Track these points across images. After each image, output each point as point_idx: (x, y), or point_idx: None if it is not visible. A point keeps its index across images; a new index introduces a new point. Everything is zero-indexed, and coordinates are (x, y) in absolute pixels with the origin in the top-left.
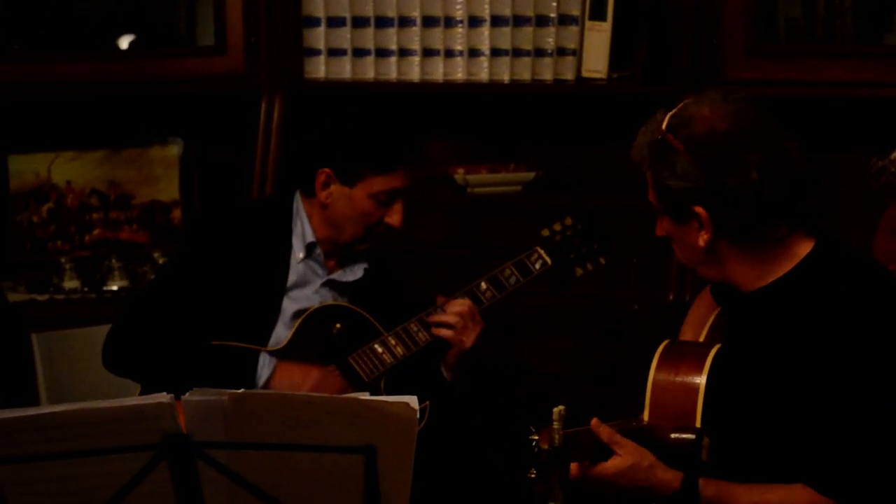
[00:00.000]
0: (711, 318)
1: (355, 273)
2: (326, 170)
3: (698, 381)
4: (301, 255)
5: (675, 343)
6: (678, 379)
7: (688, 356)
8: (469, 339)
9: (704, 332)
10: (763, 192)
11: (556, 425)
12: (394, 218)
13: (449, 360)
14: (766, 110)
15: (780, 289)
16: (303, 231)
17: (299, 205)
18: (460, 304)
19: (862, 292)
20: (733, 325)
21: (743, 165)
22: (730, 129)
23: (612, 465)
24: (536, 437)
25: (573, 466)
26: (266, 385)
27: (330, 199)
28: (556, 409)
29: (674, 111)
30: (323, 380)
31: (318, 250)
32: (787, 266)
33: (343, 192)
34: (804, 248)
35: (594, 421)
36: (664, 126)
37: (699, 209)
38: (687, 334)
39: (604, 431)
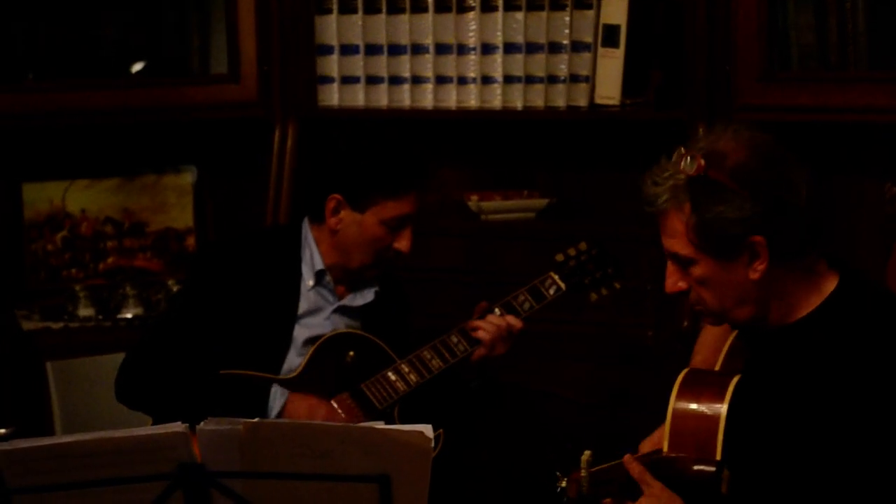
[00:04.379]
0: (728, 342)
1: (366, 297)
2: (337, 195)
3: (719, 411)
4: (311, 282)
5: (695, 372)
6: (699, 409)
7: (709, 386)
8: (500, 349)
9: (721, 358)
10: (811, 208)
11: (583, 472)
12: (403, 243)
13: (472, 358)
14: (772, 136)
15: (806, 326)
16: (312, 258)
17: (307, 232)
18: (513, 319)
19: (887, 333)
20: (756, 359)
21: (792, 183)
22: (764, 155)
23: None
24: (563, 485)
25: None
26: (279, 416)
27: (340, 224)
28: (583, 457)
29: (700, 147)
30: (334, 412)
31: (328, 277)
32: (814, 302)
33: (353, 218)
34: (830, 284)
35: (627, 456)
36: (702, 162)
37: (757, 238)
38: (699, 356)
39: (635, 469)
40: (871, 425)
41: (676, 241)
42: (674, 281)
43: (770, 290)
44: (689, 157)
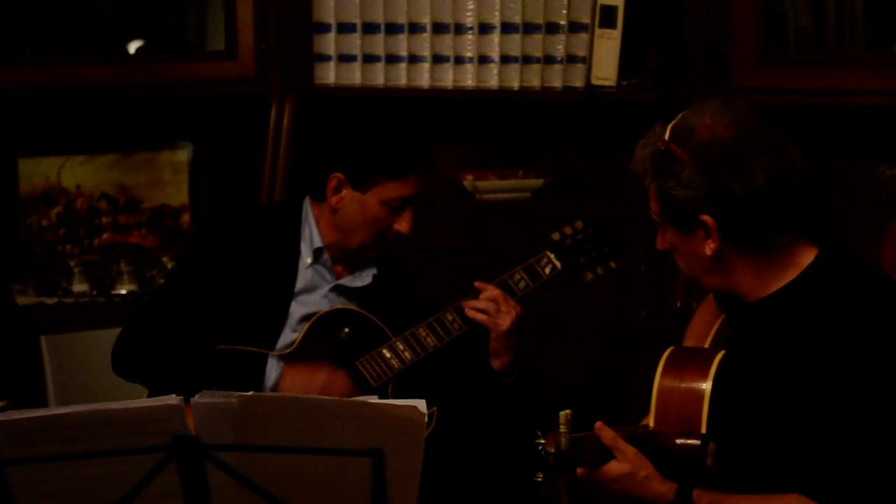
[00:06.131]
0: (716, 326)
1: (364, 279)
2: (339, 174)
3: (703, 386)
4: (309, 259)
5: (680, 349)
6: (684, 385)
7: (693, 362)
8: (504, 323)
9: (709, 339)
10: (770, 198)
11: (562, 429)
12: (403, 225)
13: (492, 347)
14: (766, 116)
15: (783, 298)
16: (311, 236)
17: (308, 210)
18: (491, 290)
19: (864, 302)
20: (738, 333)
21: (749, 171)
22: (733, 136)
23: (609, 469)
24: (543, 441)
25: (578, 470)
26: (274, 388)
27: (341, 203)
28: (562, 413)
29: (674, 122)
30: (330, 382)
31: (326, 255)
32: (790, 275)
33: (355, 198)
34: (807, 257)
35: (598, 424)
36: (667, 136)
37: (706, 217)
38: (690, 340)
39: (606, 435)
40: (845, 392)
41: (650, 205)
42: (659, 240)
43: (731, 266)
44: (657, 129)
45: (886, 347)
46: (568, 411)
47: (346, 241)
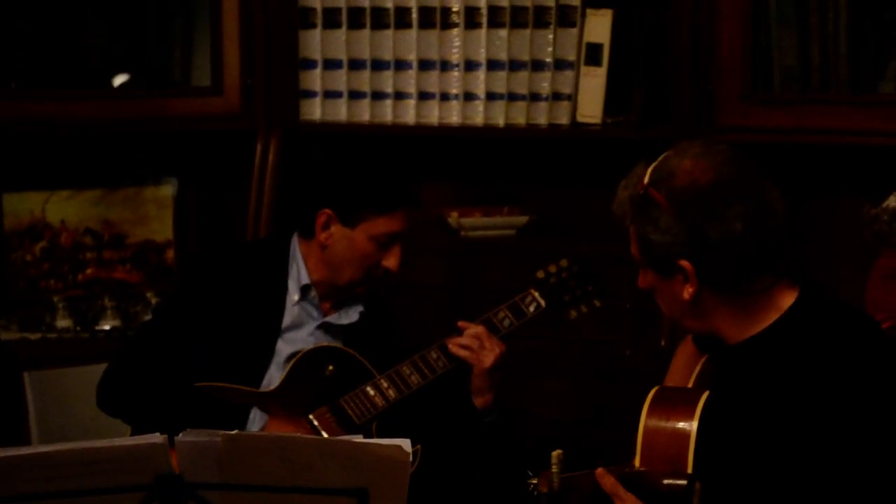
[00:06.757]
0: (698, 366)
1: (350, 316)
2: (327, 210)
3: (689, 427)
4: (296, 297)
5: (665, 389)
6: (669, 425)
7: (679, 402)
8: (488, 359)
9: (692, 379)
10: (747, 244)
11: (554, 469)
12: (391, 261)
13: (474, 385)
14: (748, 159)
15: (764, 341)
16: (298, 273)
17: (296, 246)
18: (475, 327)
19: (844, 345)
20: (721, 375)
21: (725, 218)
22: (711, 182)
23: None
24: (535, 482)
25: None
26: (259, 427)
27: (330, 240)
28: (554, 453)
29: (655, 164)
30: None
31: (313, 293)
32: (771, 318)
33: (343, 234)
34: (788, 299)
35: (600, 470)
36: (646, 180)
37: (684, 262)
38: (672, 379)
39: (607, 482)
40: (826, 434)
41: (632, 247)
42: (641, 280)
43: (710, 309)
44: (639, 171)
45: (866, 391)
46: (559, 451)
47: (336, 277)
